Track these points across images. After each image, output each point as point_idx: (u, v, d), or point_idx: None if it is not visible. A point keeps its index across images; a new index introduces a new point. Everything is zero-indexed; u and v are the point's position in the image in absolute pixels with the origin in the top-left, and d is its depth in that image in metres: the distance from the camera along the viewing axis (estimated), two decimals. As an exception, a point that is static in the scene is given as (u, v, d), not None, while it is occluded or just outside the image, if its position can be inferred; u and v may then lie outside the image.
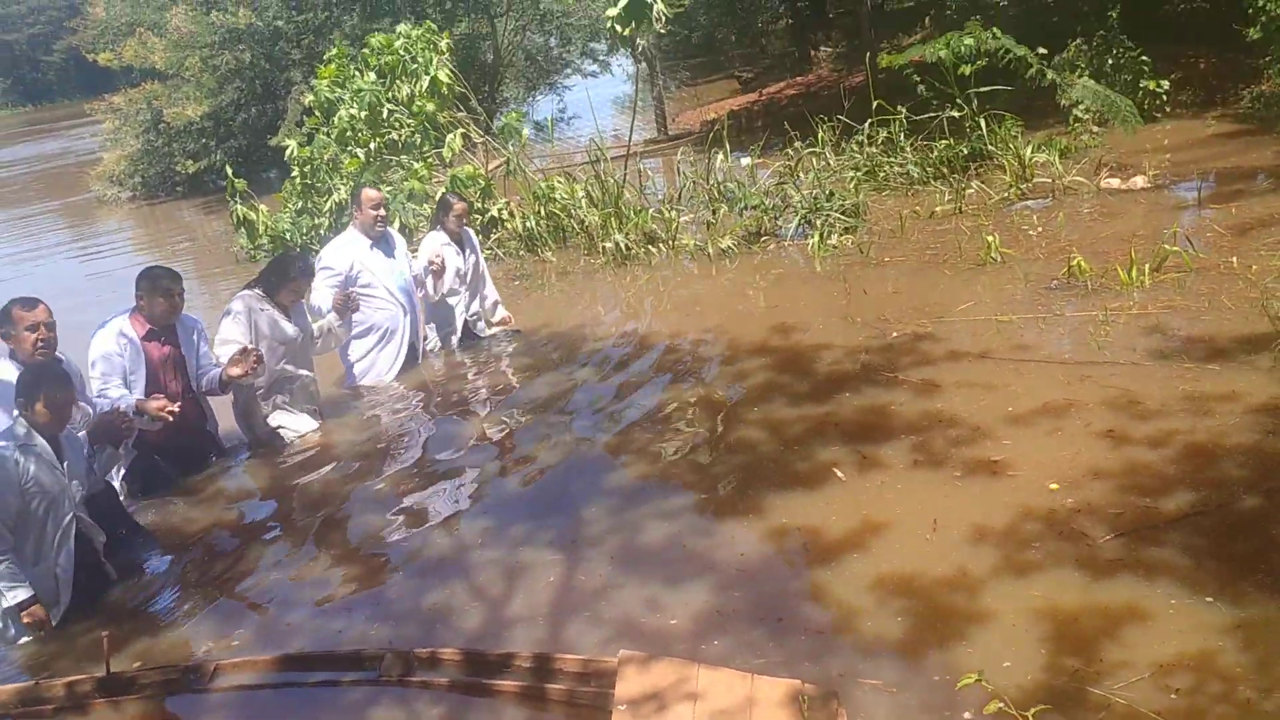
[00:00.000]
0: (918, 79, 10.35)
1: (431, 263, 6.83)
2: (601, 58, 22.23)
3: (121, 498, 5.20)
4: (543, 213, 9.74)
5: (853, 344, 6.15)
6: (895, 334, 6.21)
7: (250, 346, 5.52)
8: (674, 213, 9.26)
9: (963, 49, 9.45)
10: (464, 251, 7.20)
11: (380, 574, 4.45)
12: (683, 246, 8.82)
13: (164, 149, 18.37)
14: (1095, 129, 9.92)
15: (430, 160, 9.96)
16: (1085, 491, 4.10)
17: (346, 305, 6.30)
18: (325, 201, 9.60)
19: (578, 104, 21.19)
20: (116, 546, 4.73)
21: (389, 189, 9.29)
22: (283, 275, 5.91)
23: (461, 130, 10.10)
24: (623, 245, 8.81)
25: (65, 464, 4.31)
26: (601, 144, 10.18)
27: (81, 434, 4.64)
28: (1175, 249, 6.40)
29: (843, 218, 8.60)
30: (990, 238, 7.29)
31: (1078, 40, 11.32)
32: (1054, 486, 4.18)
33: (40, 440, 4.20)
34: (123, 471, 5.39)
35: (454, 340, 7.26)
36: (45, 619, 4.17)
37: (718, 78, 24.40)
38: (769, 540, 4.16)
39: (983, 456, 4.52)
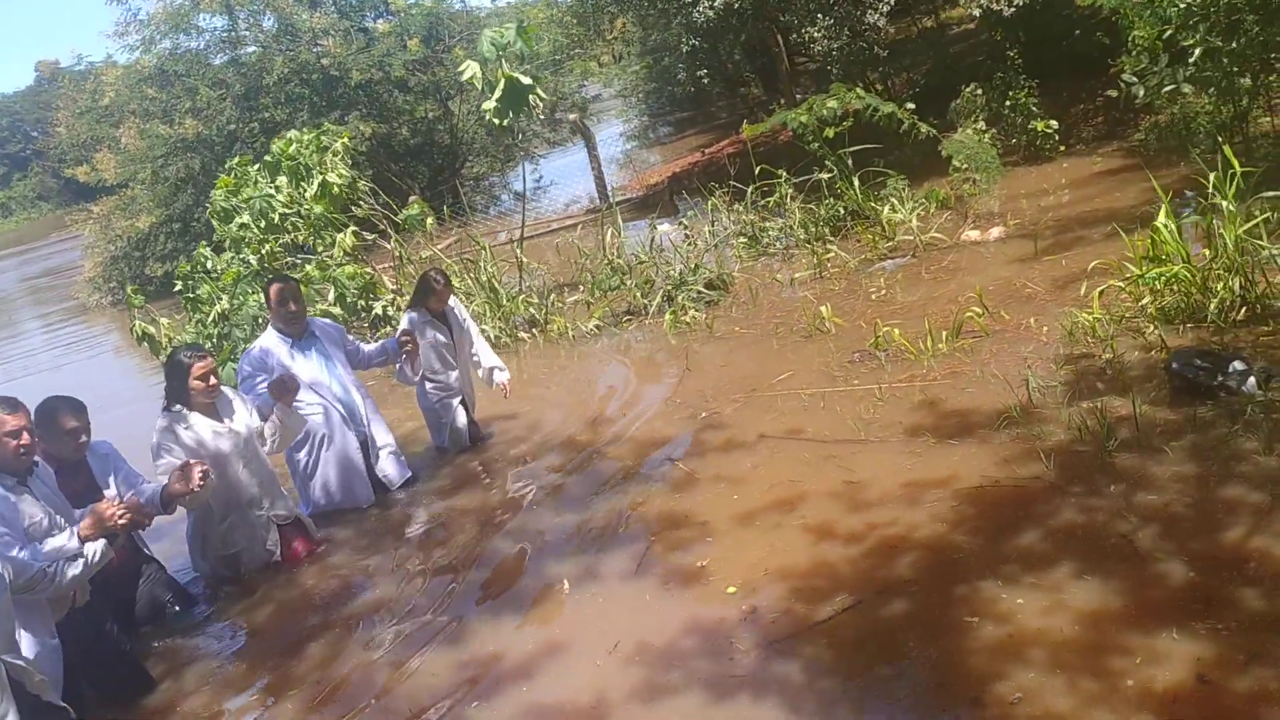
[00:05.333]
0: (810, 140, 10.30)
1: (403, 341, 6.22)
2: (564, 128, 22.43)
3: None
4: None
5: (654, 433, 6.11)
6: (704, 414, 6.17)
7: (191, 461, 4.79)
8: (552, 296, 9.35)
9: (825, 112, 9.41)
10: (447, 325, 6.58)
11: None
12: (550, 332, 8.85)
13: (135, 254, 18.81)
14: (977, 178, 9.79)
15: (324, 260, 10.09)
16: (759, 596, 4.03)
17: (284, 388, 5.44)
18: (210, 311, 9.65)
19: (555, 172, 21.64)
20: None
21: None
22: (179, 375, 5.14)
23: (353, 229, 10.23)
24: (491, 335, 8.86)
25: None
26: (478, 236, 10.30)
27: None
28: (972, 312, 6.28)
29: (707, 291, 8.61)
30: (824, 307, 7.23)
31: (971, 86, 11.23)
32: (731, 590, 4.11)
33: None
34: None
35: (459, 431, 6.60)
36: None
37: (695, 132, 24.57)
38: (452, 672, 4.10)
39: (692, 562, 4.45)
